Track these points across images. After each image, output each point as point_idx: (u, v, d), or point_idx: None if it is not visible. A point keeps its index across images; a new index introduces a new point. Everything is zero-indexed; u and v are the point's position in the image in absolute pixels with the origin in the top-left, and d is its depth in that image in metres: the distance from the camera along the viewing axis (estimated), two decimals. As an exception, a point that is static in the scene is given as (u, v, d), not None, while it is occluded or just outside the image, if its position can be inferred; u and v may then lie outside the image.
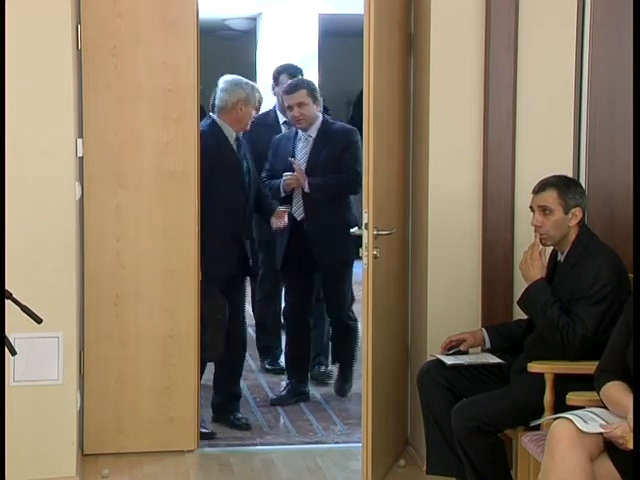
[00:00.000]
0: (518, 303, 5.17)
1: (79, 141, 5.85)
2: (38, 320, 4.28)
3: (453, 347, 5.33)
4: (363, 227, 5.51)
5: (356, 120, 7.15)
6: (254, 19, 12.62)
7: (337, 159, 7.19)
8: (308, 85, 7.28)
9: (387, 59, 5.74)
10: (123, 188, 6.09)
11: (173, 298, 6.18)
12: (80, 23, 5.93)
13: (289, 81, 7.60)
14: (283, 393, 7.43)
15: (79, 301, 5.92)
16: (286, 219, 7.16)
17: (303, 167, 7.17)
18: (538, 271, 5.00)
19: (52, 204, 5.63)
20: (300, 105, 7.14)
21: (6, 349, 4.12)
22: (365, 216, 5.49)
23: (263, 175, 7.39)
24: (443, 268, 5.92)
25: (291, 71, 8.06)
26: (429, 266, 5.94)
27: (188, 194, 6.14)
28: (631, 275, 4.91)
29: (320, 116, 7.35)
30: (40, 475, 5.56)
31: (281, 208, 7.17)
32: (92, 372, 6.11)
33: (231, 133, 6.74)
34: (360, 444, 5.66)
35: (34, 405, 5.60)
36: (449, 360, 5.19)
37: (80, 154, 5.92)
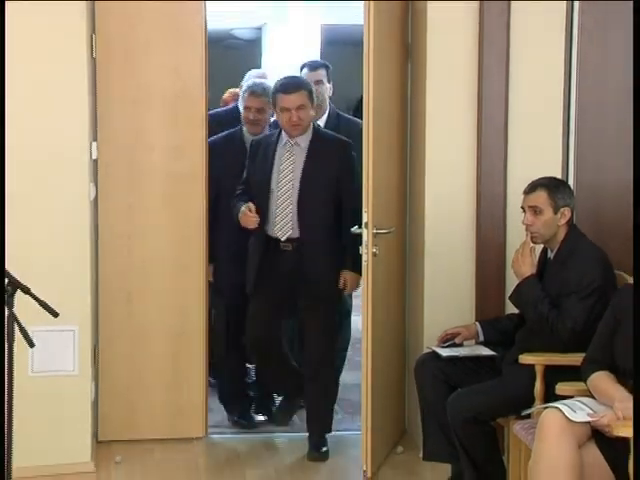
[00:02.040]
0: (510, 298, 5.17)
1: (94, 144, 5.85)
2: (54, 314, 4.28)
3: (448, 340, 5.33)
4: (363, 226, 5.51)
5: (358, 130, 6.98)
6: (259, 29, 12.64)
7: (333, 179, 5.87)
8: (308, 85, 6.07)
9: (386, 67, 5.74)
10: (135, 189, 6.10)
11: (183, 295, 6.18)
12: (95, 32, 5.93)
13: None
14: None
15: (93, 297, 5.92)
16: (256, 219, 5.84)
17: (296, 184, 5.87)
18: (529, 268, 5.00)
19: (68, 204, 5.64)
20: (300, 108, 5.87)
21: (25, 341, 4.13)
22: (365, 215, 5.49)
23: (238, 187, 6.12)
24: (439, 265, 5.92)
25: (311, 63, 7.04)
26: (426, 263, 5.94)
27: (196, 195, 6.14)
28: (617, 271, 4.92)
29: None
30: (57, 461, 5.57)
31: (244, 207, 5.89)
32: (106, 364, 6.12)
33: (247, 137, 6.39)
34: (360, 432, 5.67)
35: (51, 395, 5.61)
36: (445, 352, 5.19)
37: (94, 157, 5.92)
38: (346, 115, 7.00)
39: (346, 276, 5.95)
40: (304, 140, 5.96)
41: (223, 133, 6.50)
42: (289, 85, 5.94)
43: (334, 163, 5.89)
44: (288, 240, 5.91)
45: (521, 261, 5.03)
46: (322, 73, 6.72)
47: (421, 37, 5.98)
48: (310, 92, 5.94)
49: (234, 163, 6.25)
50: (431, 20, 5.84)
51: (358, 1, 5.64)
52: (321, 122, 6.58)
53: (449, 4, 5.82)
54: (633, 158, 4.70)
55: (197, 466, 5.88)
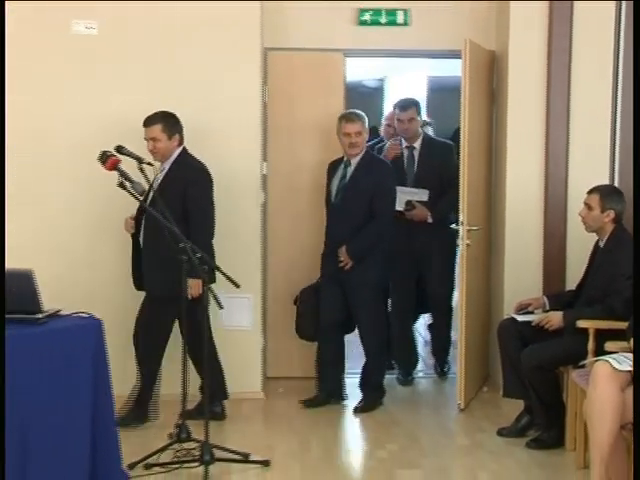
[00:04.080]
0: (567, 329, 4.86)
1: (264, 163, 5.89)
2: (237, 285, 4.34)
3: (523, 309, 5.21)
4: (460, 224, 5.47)
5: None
6: (382, 80, 12.63)
7: (179, 196, 5.04)
8: (161, 119, 5.14)
9: (476, 107, 5.68)
10: (292, 196, 6.16)
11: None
12: (266, 84, 5.98)
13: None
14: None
15: (263, 273, 5.95)
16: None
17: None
18: (556, 319, 4.85)
19: (246, 207, 5.71)
20: (153, 139, 5.10)
21: (217, 305, 4.19)
22: (461, 216, 5.47)
23: None
24: (515, 253, 5.84)
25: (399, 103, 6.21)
26: (506, 251, 5.86)
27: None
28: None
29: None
30: (237, 390, 5.58)
31: None
32: (272, 321, 6.15)
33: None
34: (456, 376, 5.64)
35: (234, 342, 5.66)
36: (520, 318, 5.08)
37: (264, 172, 5.96)
38: (438, 139, 6.45)
39: (190, 283, 4.74)
40: (167, 164, 5.13)
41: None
42: (146, 119, 5.16)
43: (181, 183, 5.05)
44: None
45: (547, 322, 4.88)
46: (413, 111, 6.06)
47: (503, 83, 5.91)
48: (163, 125, 5.08)
49: None
50: (511, 69, 5.77)
51: (456, 59, 5.58)
52: (416, 145, 6.08)
53: (525, 59, 5.74)
54: (633, 160, 4.60)
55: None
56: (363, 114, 5.59)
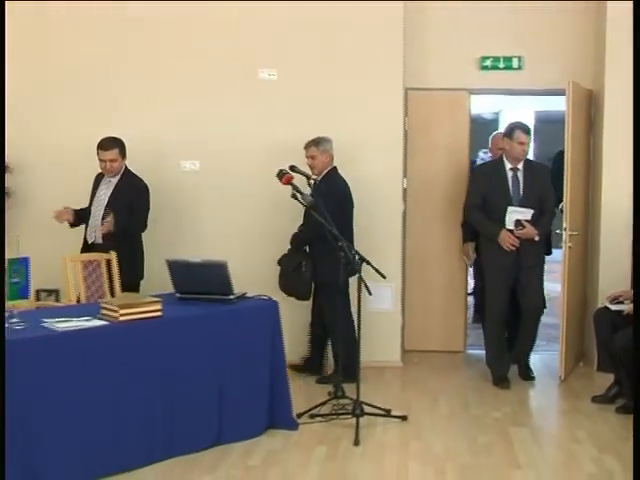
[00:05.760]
0: None
1: (404, 179, 5.84)
2: (383, 276, 4.31)
3: (615, 299, 4.97)
4: (563, 230, 5.29)
5: (554, 169, 6.05)
6: (497, 113, 12.38)
7: (127, 206, 5.06)
8: (118, 144, 5.06)
9: (577, 134, 5.46)
10: (426, 204, 6.07)
11: (449, 268, 6.06)
12: (407, 115, 5.93)
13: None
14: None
15: (402, 267, 5.88)
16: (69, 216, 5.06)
17: (101, 209, 5.09)
18: None
19: (391, 215, 5.71)
20: (111, 160, 5.02)
21: (366, 292, 4.17)
22: (564, 223, 5.29)
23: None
24: (609, 253, 5.60)
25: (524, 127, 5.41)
26: (600, 252, 5.63)
27: (459, 207, 5.95)
28: None
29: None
30: (382, 358, 5.61)
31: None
32: (409, 305, 6.07)
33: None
34: (557, 352, 5.45)
35: (379, 322, 5.61)
36: (613, 307, 4.87)
37: (404, 186, 5.91)
38: (536, 162, 5.77)
39: None
40: (115, 179, 5.09)
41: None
42: (103, 144, 5.04)
43: (127, 193, 5.05)
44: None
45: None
46: (530, 136, 5.42)
47: (600, 115, 5.68)
48: (119, 149, 5.03)
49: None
50: (607, 102, 5.56)
51: (559, 96, 5.44)
52: (520, 166, 5.30)
53: (618, 96, 5.49)
54: (633, 166, 4.30)
55: (459, 369, 5.79)
56: (322, 140, 5.12)
